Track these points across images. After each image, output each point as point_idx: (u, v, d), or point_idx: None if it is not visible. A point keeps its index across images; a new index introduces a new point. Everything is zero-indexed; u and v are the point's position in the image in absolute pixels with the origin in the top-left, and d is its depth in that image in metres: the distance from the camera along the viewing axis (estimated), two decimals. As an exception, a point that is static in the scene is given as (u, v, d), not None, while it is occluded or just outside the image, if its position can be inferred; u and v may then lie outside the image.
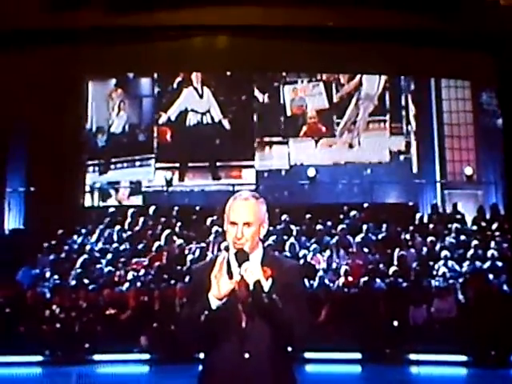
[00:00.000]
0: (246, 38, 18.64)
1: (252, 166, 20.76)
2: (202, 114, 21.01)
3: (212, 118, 20.98)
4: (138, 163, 20.84)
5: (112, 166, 20.75)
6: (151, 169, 20.78)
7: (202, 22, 17.38)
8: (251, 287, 3.72)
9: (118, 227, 17.93)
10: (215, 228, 16.84)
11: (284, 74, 21.09)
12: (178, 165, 20.66)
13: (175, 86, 21.03)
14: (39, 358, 14.03)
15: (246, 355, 3.80)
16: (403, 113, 20.95)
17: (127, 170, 20.77)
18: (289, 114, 21.06)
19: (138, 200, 20.45)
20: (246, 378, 3.79)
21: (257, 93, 20.97)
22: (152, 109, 21.25)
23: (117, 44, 17.73)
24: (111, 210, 18.67)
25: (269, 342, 3.80)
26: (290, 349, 3.95)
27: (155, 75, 21.22)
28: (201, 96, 21.02)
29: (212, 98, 20.96)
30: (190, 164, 20.67)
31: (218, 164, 20.72)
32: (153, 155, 20.80)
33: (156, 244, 16.81)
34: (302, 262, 15.55)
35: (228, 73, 20.89)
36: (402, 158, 20.73)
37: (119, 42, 17.75)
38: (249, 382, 3.80)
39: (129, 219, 18.27)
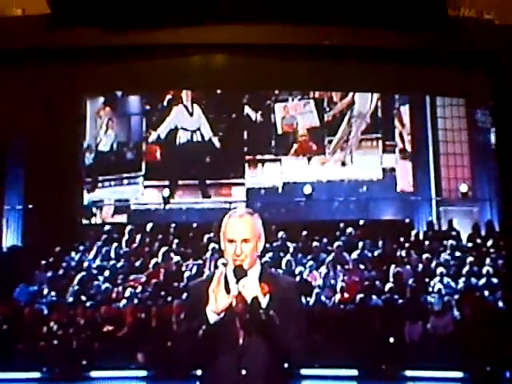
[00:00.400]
0: (238, 55, 18.72)
1: (242, 184, 20.75)
2: (192, 131, 20.96)
3: (202, 136, 20.95)
4: (125, 181, 20.80)
5: (99, 185, 20.68)
6: (139, 187, 20.73)
7: (191, 40, 17.48)
8: (249, 303, 3.77)
9: (115, 244, 17.94)
10: (212, 245, 16.87)
11: (277, 92, 21.13)
12: (167, 183, 20.61)
13: (165, 103, 20.97)
14: (37, 375, 14.02)
15: (243, 372, 3.84)
16: (397, 131, 21.03)
17: (114, 188, 20.72)
18: (279, 132, 21.06)
19: (122, 218, 20.35)
20: None
21: (247, 110, 20.94)
22: (141, 127, 21.20)
23: (107, 62, 17.82)
24: (108, 227, 18.65)
25: (266, 359, 3.84)
26: (286, 365, 3.98)
27: (144, 93, 21.18)
28: (191, 114, 21.00)
29: (202, 116, 20.96)
30: (180, 182, 20.60)
31: (208, 182, 20.67)
32: (141, 173, 20.76)
33: (153, 261, 16.83)
34: (298, 278, 15.59)
35: (218, 91, 20.90)
36: (396, 175, 20.80)
37: (109, 60, 17.84)
38: None
39: (126, 236, 18.28)
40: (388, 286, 15.46)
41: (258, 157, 20.86)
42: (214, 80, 19.29)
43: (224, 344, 3.86)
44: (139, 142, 20.96)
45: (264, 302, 3.73)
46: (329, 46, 17.79)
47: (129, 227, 18.50)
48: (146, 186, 20.66)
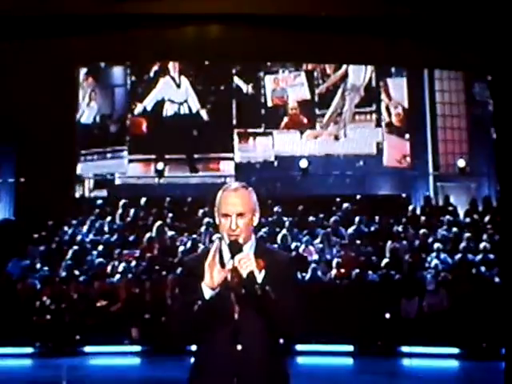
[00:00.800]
0: (228, 26, 18.61)
1: (231, 158, 20.64)
2: (180, 104, 20.84)
3: (190, 109, 20.81)
4: (109, 155, 20.67)
5: (81, 158, 20.56)
6: (124, 161, 20.60)
7: (179, 10, 17.35)
8: (244, 278, 3.67)
9: (108, 218, 17.87)
10: (206, 219, 16.78)
11: (269, 63, 20.97)
12: (153, 156, 20.47)
13: (151, 75, 20.84)
14: (30, 350, 14.01)
15: (239, 347, 3.74)
16: (383, 104, 20.96)
17: (97, 162, 20.61)
18: (270, 104, 20.93)
19: (102, 193, 20.22)
20: (239, 370, 3.74)
21: (237, 82, 20.83)
22: (126, 99, 21.06)
23: (95, 32, 17.70)
24: (102, 201, 18.52)
25: (261, 334, 3.75)
26: (281, 341, 3.91)
27: (129, 64, 20.99)
28: (178, 86, 20.84)
29: (190, 88, 20.79)
30: (167, 156, 20.46)
31: (195, 156, 20.57)
32: (125, 147, 20.63)
33: (147, 235, 16.74)
34: (294, 253, 15.51)
35: (206, 62, 20.73)
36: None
37: (96, 30, 17.71)
38: (241, 374, 3.74)
39: (120, 210, 18.17)
40: (384, 261, 15.40)
41: (249, 130, 20.76)
42: (202, 51, 19.22)
43: (219, 319, 3.78)
44: (124, 114, 20.87)
45: (260, 277, 3.63)
46: (323, 18, 17.71)
47: (122, 201, 18.39)
48: (130, 160, 20.58)
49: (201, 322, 3.76)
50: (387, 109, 21.02)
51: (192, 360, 3.93)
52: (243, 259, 3.67)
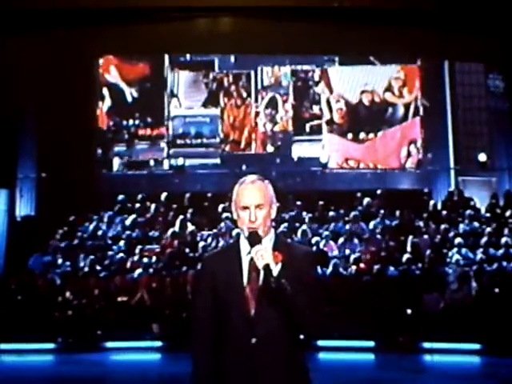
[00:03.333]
0: (239, 18, 18.56)
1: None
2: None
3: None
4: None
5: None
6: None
7: (191, 3, 17.36)
8: (261, 271, 3.68)
9: (129, 214, 17.92)
10: (227, 214, 16.78)
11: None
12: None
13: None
14: (51, 346, 14.07)
15: (254, 340, 3.74)
16: (323, 97, 20.94)
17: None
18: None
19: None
20: (254, 364, 3.74)
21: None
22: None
23: (117, 24, 17.76)
24: (123, 196, 18.54)
25: (277, 328, 3.75)
26: (302, 336, 3.89)
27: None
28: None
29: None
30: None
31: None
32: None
33: (170, 230, 16.78)
34: (314, 248, 15.50)
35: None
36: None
37: (113, 23, 17.77)
38: (256, 368, 3.74)
39: (140, 206, 18.20)
40: (405, 256, 15.33)
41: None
42: (215, 44, 19.25)
43: (235, 312, 3.82)
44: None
45: (275, 269, 3.62)
46: (344, 9, 17.62)
47: (142, 196, 18.43)
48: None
49: (218, 315, 3.82)
50: (328, 103, 20.94)
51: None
52: (260, 251, 3.68)
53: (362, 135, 20.89)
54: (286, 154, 20.94)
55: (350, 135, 20.86)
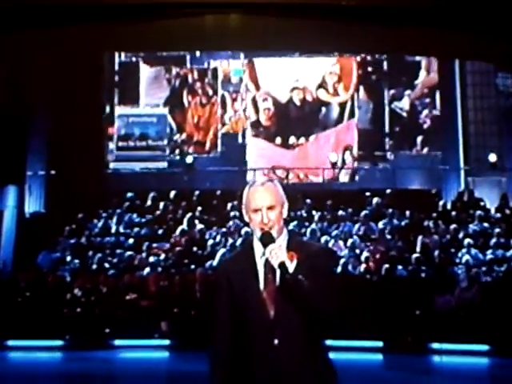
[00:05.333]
0: (248, 15, 18.51)
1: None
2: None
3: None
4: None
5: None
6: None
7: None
8: (276, 270, 3.68)
9: (138, 211, 17.93)
10: (236, 213, 16.77)
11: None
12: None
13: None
14: (60, 343, 14.08)
15: (276, 341, 3.73)
16: (260, 96, 20.78)
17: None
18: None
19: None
20: (278, 365, 3.72)
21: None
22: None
23: (121, 20, 17.74)
24: (131, 194, 18.54)
25: (298, 327, 3.73)
26: (324, 330, 3.85)
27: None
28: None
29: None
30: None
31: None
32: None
33: (179, 228, 16.78)
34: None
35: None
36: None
37: (123, 19, 17.75)
38: (279, 370, 3.72)
39: (149, 203, 18.22)
40: (415, 256, 15.30)
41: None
42: (224, 40, 19.20)
43: (255, 316, 3.78)
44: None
45: (291, 266, 3.61)
46: (352, 7, 17.56)
47: (152, 194, 18.44)
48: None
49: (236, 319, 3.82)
50: (254, 102, 20.71)
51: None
52: (274, 249, 3.67)
53: (291, 140, 20.38)
54: (235, 158, 20.69)
55: (278, 139, 20.45)
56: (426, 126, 20.93)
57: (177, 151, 20.85)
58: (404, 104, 20.98)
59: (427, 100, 21.06)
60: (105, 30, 18.23)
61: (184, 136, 20.85)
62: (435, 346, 13.61)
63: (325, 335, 3.87)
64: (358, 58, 20.93)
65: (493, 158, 19.48)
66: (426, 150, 20.75)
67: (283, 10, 17.44)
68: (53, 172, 19.15)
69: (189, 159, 20.04)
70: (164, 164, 20.71)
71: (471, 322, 13.64)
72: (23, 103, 17.86)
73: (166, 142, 20.89)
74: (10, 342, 13.98)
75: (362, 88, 21.01)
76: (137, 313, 14.36)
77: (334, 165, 19.96)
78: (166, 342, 14.12)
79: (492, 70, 20.64)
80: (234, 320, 3.84)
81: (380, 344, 13.76)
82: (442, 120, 20.71)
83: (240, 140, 20.75)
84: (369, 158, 20.35)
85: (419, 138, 20.80)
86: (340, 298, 3.77)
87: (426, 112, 20.97)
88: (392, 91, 21.11)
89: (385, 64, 21.15)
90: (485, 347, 13.47)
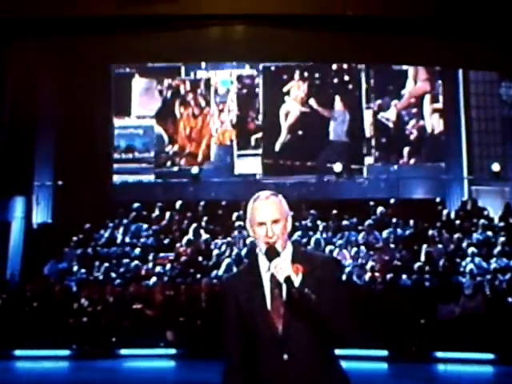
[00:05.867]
0: (252, 26, 18.53)
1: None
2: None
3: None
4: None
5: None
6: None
7: (203, 11, 17.39)
8: (283, 284, 3.69)
9: (144, 222, 17.99)
10: (241, 223, 16.81)
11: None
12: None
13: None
14: (66, 352, 14.15)
15: (285, 356, 3.72)
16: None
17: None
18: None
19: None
20: (288, 380, 3.71)
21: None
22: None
23: (124, 32, 17.80)
24: (138, 204, 18.59)
25: (307, 341, 3.72)
26: (332, 347, 3.84)
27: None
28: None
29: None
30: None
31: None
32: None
33: (185, 238, 16.84)
34: (328, 257, 15.52)
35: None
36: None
37: (127, 30, 17.80)
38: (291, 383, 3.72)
39: (156, 213, 18.28)
40: (419, 265, 15.32)
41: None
42: (227, 51, 19.22)
43: (263, 333, 3.72)
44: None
45: (297, 280, 3.61)
46: (356, 18, 17.60)
47: (158, 204, 18.51)
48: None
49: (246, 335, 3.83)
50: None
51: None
52: (279, 264, 3.67)
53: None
54: (225, 169, 20.89)
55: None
56: (412, 137, 20.88)
57: (168, 163, 20.82)
58: (390, 114, 20.96)
59: (414, 110, 20.97)
60: (110, 41, 18.32)
61: (176, 147, 20.91)
62: (440, 354, 13.61)
63: (334, 346, 3.86)
64: (334, 67, 21.01)
65: (496, 167, 19.48)
66: (412, 161, 20.72)
67: (286, 21, 17.56)
68: (60, 182, 19.20)
69: (194, 170, 20.09)
70: (151, 177, 20.73)
71: (476, 330, 13.63)
72: (30, 114, 17.94)
73: (152, 154, 20.91)
74: (17, 352, 14.04)
75: (337, 98, 21.04)
76: (143, 322, 14.42)
77: (338, 175, 19.98)
78: (172, 351, 14.18)
79: (495, 79, 20.68)
80: (243, 336, 3.84)
81: (385, 353, 13.76)
82: (446, 130, 20.72)
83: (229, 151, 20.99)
84: (345, 172, 20.34)
85: (406, 150, 20.76)
86: (347, 308, 3.80)
87: (412, 122, 20.91)
88: (378, 101, 21.06)
89: (363, 73, 21.15)
90: (489, 356, 13.48)
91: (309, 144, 20.72)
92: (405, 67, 21.06)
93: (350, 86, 21.25)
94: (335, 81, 21.25)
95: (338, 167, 19.86)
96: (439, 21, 17.46)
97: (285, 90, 21.15)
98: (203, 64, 21.12)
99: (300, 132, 21.10)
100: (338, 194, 19.82)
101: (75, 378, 12.89)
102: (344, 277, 15.01)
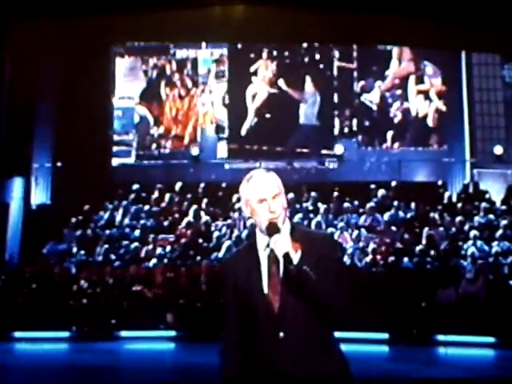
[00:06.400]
0: (253, 7, 18.38)
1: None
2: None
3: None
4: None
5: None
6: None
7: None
8: (280, 261, 3.67)
9: (144, 203, 17.95)
10: (240, 205, 16.72)
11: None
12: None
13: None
14: (66, 334, 14.14)
15: (281, 334, 3.70)
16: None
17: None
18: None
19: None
20: (284, 357, 3.69)
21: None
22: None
23: (124, 12, 17.71)
24: (137, 186, 18.54)
25: (304, 319, 3.70)
26: (331, 321, 3.79)
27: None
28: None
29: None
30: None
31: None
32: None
33: (185, 220, 16.81)
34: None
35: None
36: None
37: (126, 10, 17.70)
38: (286, 363, 3.68)
39: (155, 195, 18.23)
40: (420, 248, 15.28)
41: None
42: (229, 32, 19.05)
43: (259, 311, 3.73)
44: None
45: (296, 257, 3.60)
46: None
47: (157, 186, 18.45)
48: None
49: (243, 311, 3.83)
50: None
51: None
52: (279, 240, 3.67)
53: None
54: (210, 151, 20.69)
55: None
56: (396, 120, 20.72)
57: (154, 145, 20.71)
58: (374, 96, 20.75)
59: (398, 92, 20.77)
60: (110, 22, 18.23)
61: (162, 130, 20.78)
62: (441, 337, 13.62)
63: (333, 326, 3.83)
64: (305, 45, 20.73)
65: (499, 150, 19.46)
66: (396, 144, 20.60)
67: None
68: (59, 164, 19.17)
69: (194, 151, 20.03)
70: (131, 160, 20.60)
71: (477, 313, 13.62)
72: (28, 96, 17.87)
73: (131, 136, 20.76)
74: (17, 334, 14.05)
75: (308, 78, 20.71)
76: (143, 304, 14.42)
77: (339, 157, 19.94)
78: (172, 333, 14.17)
79: (498, 61, 20.59)
80: (240, 315, 3.84)
81: (386, 336, 13.76)
82: (448, 113, 20.63)
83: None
84: (314, 157, 20.22)
85: (389, 133, 20.64)
86: (347, 287, 3.76)
87: (396, 105, 20.76)
88: (362, 82, 20.83)
89: (336, 52, 20.89)
90: (490, 339, 13.47)
91: (277, 128, 20.22)
92: (389, 47, 20.82)
93: (322, 66, 20.79)
94: (306, 60, 20.77)
95: (339, 149, 19.82)
96: (441, 2, 17.36)
97: (252, 69, 20.78)
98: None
99: (268, 115, 20.67)
100: (339, 176, 19.76)
101: (75, 359, 12.86)
102: (345, 259, 15.00)
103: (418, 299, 14.05)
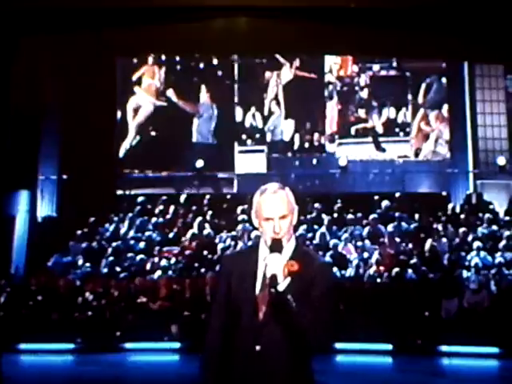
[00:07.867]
0: (255, 19, 18.41)
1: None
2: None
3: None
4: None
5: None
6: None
7: (206, 3, 17.32)
8: (267, 279, 3.66)
9: (149, 215, 17.99)
10: (245, 216, 16.79)
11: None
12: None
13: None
14: (71, 346, 14.15)
15: (258, 347, 3.73)
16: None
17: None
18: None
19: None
20: (257, 371, 3.74)
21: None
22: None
23: (129, 25, 17.76)
24: (143, 198, 18.60)
25: (281, 339, 3.72)
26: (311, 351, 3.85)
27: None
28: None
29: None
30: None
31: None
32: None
33: (189, 232, 16.84)
34: (332, 251, 15.58)
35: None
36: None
37: (131, 23, 17.75)
38: (259, 376, 3.73)
39: (160, 207, 18.27)
40: (424, 259, 15.30)
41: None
42: (230, 44, 18.97)
43: (245, 314, 3.76)
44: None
45: (282, 284, 3.57)
46: (353, 9, 17.53)
47: (162, 198, 18.49)
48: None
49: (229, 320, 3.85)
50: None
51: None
52: (271, 261, 3.65)
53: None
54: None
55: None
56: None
57: None
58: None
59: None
60: (113, 34, 18.29)
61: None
62: (444, 348, 13.62)
63: (311, 352, 3.85)
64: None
65: (502, 161, 19.49)
66: None
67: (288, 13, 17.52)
68: (64, 176, 19.22)
69: (199, 163, 20.06)
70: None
71: (480, 324, 13.63)
72: (35, 108, 17.95)
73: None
74: (22, 346, 14.04)
75: (203, 88, 19.65)
76: (147, 316, 14.43)
77: (343, 168, 19.98)
78: (177, 345, 14.20)
79: (501, 73, 20.63)
80: (227, 312, 3.87)
81: (389, 347, 13.77)
82: (451, 123, 20.66)
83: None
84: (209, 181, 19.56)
85: None
86: (328, 321, 3.73)
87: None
88: None
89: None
90: (495, 350, 13.48)
91: (165, 148, 18.73)
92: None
93: (220, 73, 19.34)
94: (201, 66, 19.30)
95: (343, 161, 19.85)
96: (443, 13, 17.40)
97: (134, 78, 19.52)
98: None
99: (153, 133, 19.32)
100: (343, 187, 19.79)
101: (79, 371, 12.88)
102: (349, 270, 15.05)
103: (421, 310, 14.07)
